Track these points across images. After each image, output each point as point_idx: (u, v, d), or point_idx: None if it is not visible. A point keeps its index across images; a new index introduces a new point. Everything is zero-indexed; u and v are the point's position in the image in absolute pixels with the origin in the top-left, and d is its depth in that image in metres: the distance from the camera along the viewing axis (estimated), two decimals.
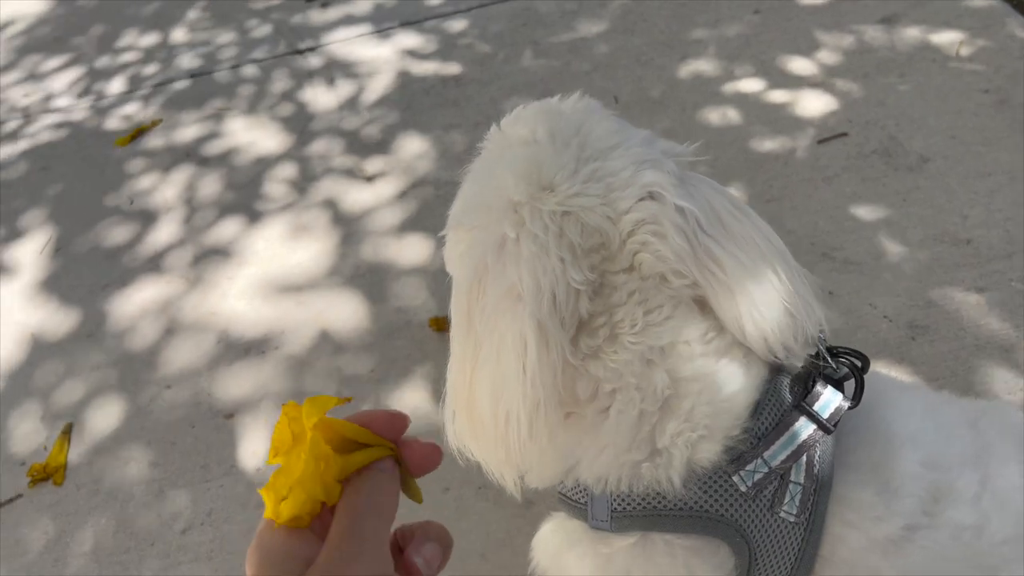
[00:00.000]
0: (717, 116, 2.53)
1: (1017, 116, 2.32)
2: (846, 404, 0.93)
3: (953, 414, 1.05)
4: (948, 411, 1.05)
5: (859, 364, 0.97)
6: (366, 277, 2.31)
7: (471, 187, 0.96)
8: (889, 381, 1.12)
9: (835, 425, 0.92)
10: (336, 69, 3.08)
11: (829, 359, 0.96)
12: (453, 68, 2.96)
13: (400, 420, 0.61)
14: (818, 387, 0.93)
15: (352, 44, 3.20)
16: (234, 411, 2.06)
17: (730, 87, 2.61)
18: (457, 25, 3.16)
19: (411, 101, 2.86)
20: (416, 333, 2.14)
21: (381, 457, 0.59)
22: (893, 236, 2.10)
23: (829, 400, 0.93)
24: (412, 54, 3.07)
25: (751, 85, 2.60)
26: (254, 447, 1.97)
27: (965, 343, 1.84)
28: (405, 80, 2.96)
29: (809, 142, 2.39)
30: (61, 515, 1.89)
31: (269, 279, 2.36)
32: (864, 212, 2.17)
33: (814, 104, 2.50)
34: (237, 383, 2.12)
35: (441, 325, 2.12)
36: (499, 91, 2.81)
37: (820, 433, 0.92)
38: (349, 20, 3.33)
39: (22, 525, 1.88)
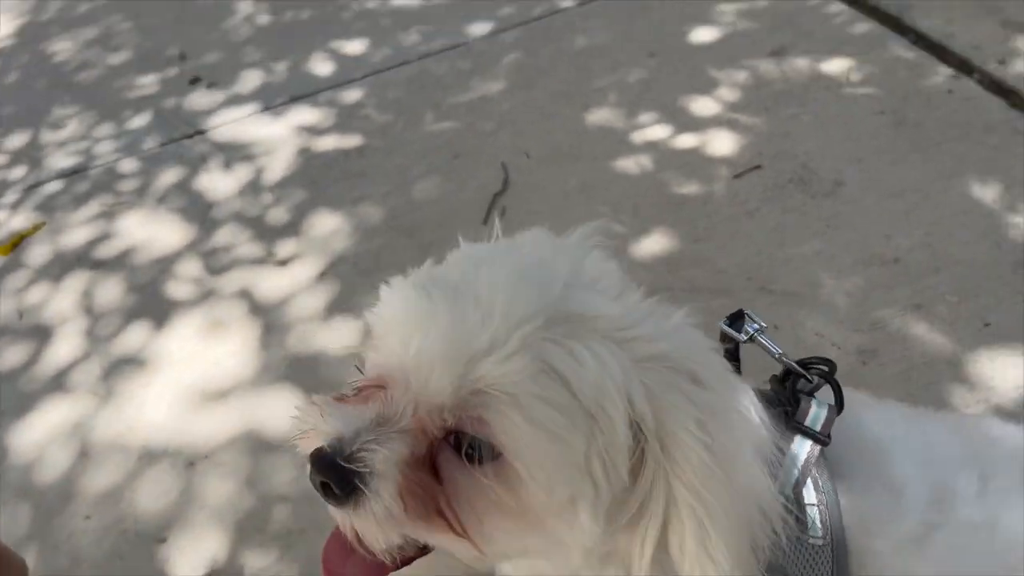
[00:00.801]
0: (631, 164, 2.53)
1: (915, 135, 2.41)
2: (833, 413, 0.94)
3: (933, 422, 1.09)
4: (928, 420, 1.09)
5: (827, 369, 0.98)
6: (295, 368, 2.17)
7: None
8: (860, 396, 1.13)
9: (828, 435, 0.92)
10: (230, 152, 2.94)
11: (803, 371, 0.97)
12: (354, 139, 2.88)
13: None
14: (803, 403, 0.94)
15: (243, 124, 3.07)
16: (167, 533, 1.87)
17: (639, 135, 2.62)
18: (352, 95, 3.08)
19: (315, 177, 2.75)
20: None
21: None
22: (825, 264, 2.12)
23: (817, 413, 0.94)
24: (309, 129, 2.96)
25: (659, 130, 2.62)
26: (194, 569, 1.80)
27: (914, 362, 1.86)
28: (306, 156, 2.85)
29: (725, 179, 2.41)
30: None
31: (189, 383, 2.19)
32: (792, 242, 2.19)
33: (723, 142, 2.53)
34: (167, 501, 1.94)
35: None
36: (406, 158, 2.73)
37: (818, 448, 0.92)
38: (235, 100, 3.21)
39: None
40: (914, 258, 2.07)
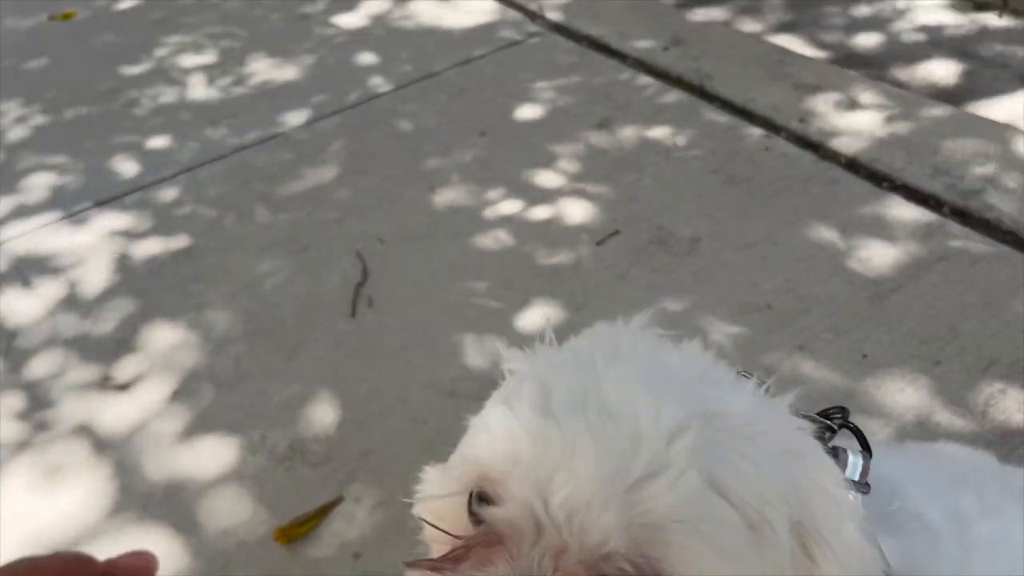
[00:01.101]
0: (491, 240, 2.50)
1: (748, 189, 2.58)
2: (868, 461, 0.92)
3: (910, 452, 1.11)
4: (904, 451, 1.13)
5: (841, 416, 0.97)
6: (163, 504, 1.88)
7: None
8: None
9: (868, 484, 0.90)
10: (27, 269, 2.56)
11: (828, 422, 0.95)
12: (180, 241, 2.61)
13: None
14: (840, 453, 0.92)
15: (37, 236, 2.69)
16: None
17: (492, 211, 2.60)
18: (167, 195, 2.81)
19: (142, 286, 2.45)
20: (259, 554, 1.76)
21: None
22: (703, 316, 2.18)
23: (855, 462, 0.91)
24: (123, 234, 2.65)
25: (511, 205, 2.62)
26: None
27: (814, 400, 1.94)
28: (126, 264, 2.54)
29: (589, 246, 2.44)
30: None
31: (30, 542, 1.82)
32: (668, 300, 2.24)
33: (576, 210, 2.57)
34: None
35: (292, 534, 1.77)
36: (246, 255, 2.51)
37: (859, 497, 0.89)
38: (22, 211, 2.82)
39: None
40: (783, 302, 2.19)
